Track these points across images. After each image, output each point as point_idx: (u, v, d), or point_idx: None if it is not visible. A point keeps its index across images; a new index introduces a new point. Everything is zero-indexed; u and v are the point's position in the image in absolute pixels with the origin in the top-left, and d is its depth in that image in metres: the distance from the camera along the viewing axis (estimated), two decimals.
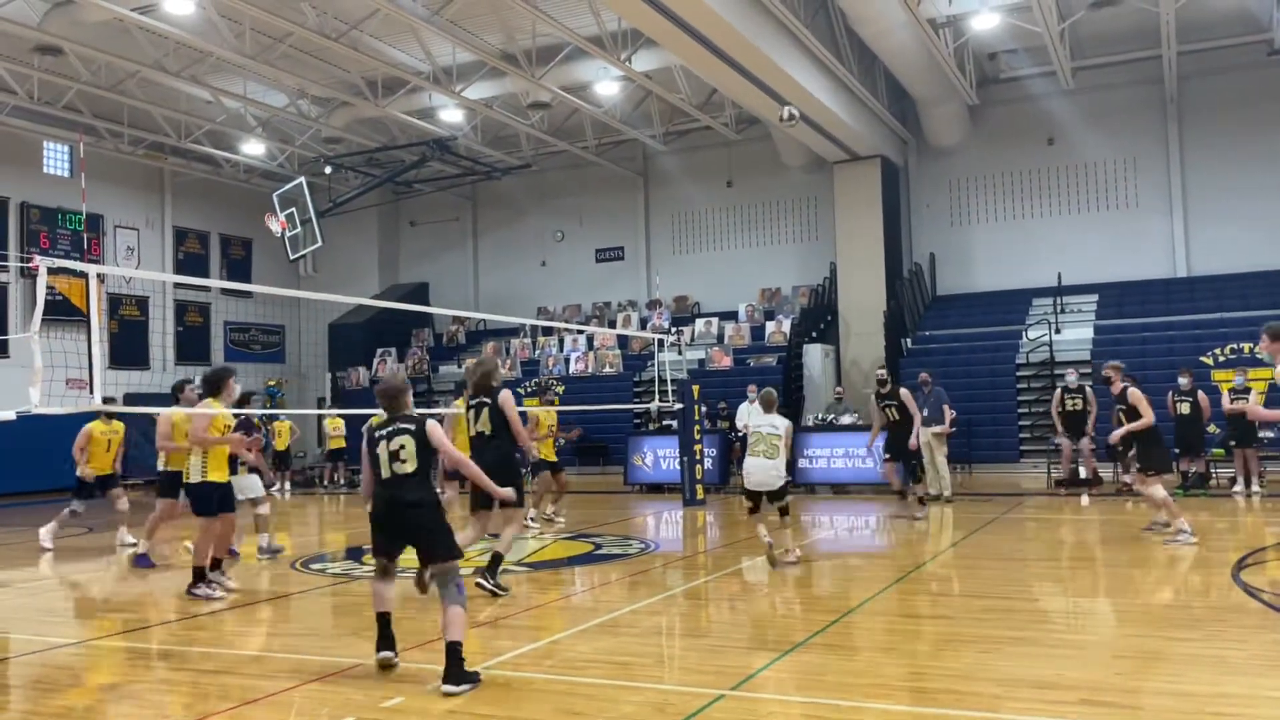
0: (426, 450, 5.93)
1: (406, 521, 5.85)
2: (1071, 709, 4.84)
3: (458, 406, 10.57)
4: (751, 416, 8.39)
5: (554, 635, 6.84)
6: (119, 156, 24.73)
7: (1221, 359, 18.71)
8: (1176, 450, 15.41)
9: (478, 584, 7.92)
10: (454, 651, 5.41)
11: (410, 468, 5.85)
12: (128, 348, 25.45)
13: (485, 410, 8.33)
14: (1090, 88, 22.38)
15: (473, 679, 5.43)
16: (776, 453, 9.23)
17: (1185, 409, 14.91)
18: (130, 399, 20.84)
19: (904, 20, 17.82)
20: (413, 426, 5.93)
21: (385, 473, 5.87)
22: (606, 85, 21.80)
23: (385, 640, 5.90)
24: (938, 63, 19.94)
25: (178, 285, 26.67)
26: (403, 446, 5.87)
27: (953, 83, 21.21)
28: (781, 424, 9.37)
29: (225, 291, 27.35)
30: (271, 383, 28.00)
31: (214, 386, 8.76)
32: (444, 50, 20.02)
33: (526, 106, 23.09)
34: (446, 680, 5.37)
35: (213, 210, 28.21)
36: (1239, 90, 21.68)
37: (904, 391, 13.30)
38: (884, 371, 14.10)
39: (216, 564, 8.86)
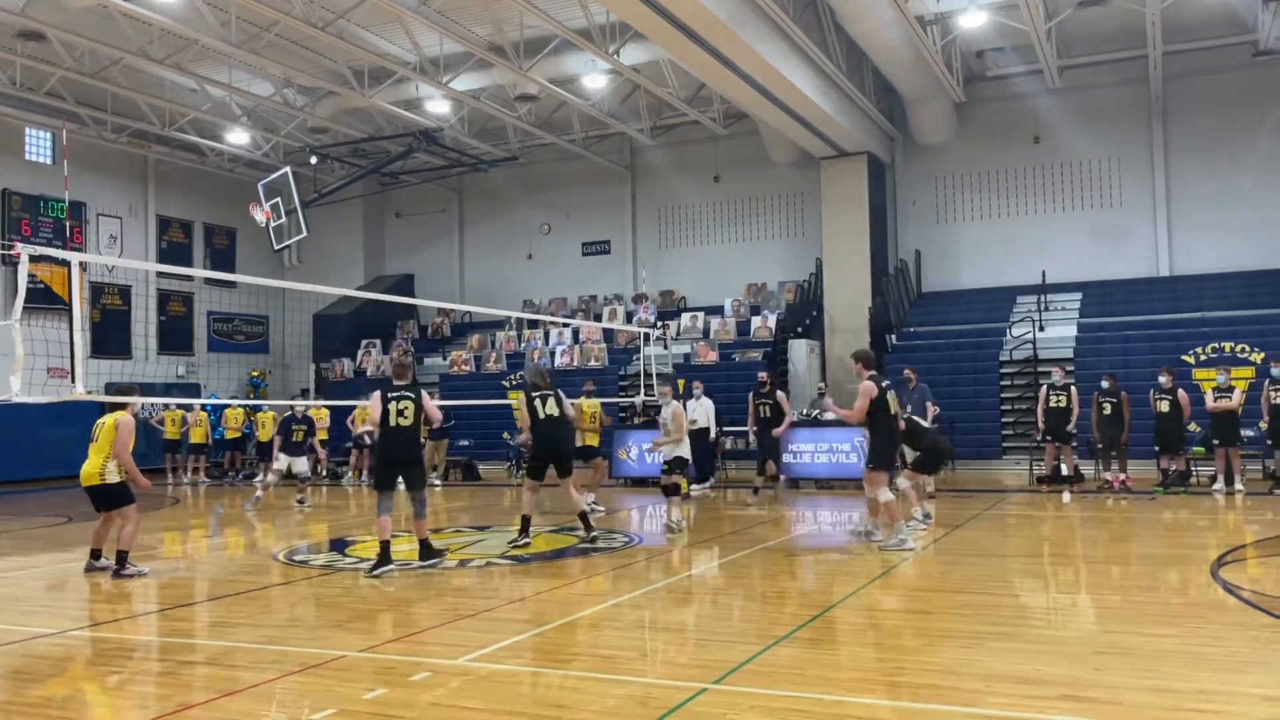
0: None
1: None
2: (1052, 704, 4.87)
3: (516, 399, 12.79)
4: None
5: (538, 628, 6.84)
6: (102, 144, 24.54)
7: (1203, 358, 18.85)
8: (1156, 448, 15.57)
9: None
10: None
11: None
12: (110, 337, 25.31)
13: (551, 399, 10.72)
14: (1076, 87, 22.48)
15: (440, 553, 9.21)
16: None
17: (1165, 407, 15.13)
18: (113, 389, 20.64)
19: (892, 17, 17.84)
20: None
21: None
22: (594, 78, 21.75)
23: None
24: (925, 60, 19.98)
25: (160, 274, 26.51)
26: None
27: (940, 80, 21.26)
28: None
29: (209, 281, 27.18)
30: (255, 373, 27.89)
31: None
32: (431, 41, 19.93)
33: (514, 99, 23.03)
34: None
35: (197, 199, 28.03)
36: (1223, 91, 21.81)
37: (780, 394, 15.87)
38: (765, 375, 16.61)
39: (98, 553, 9.51)
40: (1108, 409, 15.38)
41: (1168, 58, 21.03)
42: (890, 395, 9.90)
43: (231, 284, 28.06)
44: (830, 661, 5.96)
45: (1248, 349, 18.66)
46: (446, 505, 15.99)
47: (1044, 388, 16.03)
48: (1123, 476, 15.27)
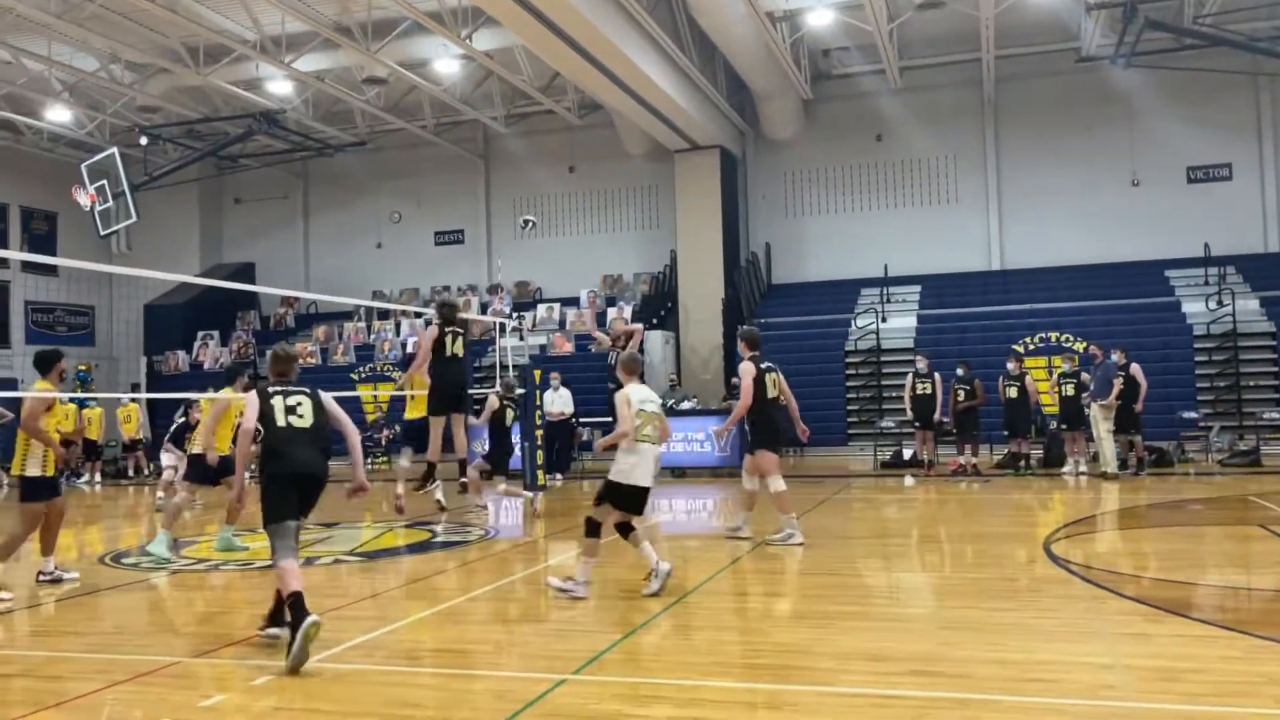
0: None
1: None
2: (903, 679, 4.99)
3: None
4: (635, 390, 7.10)
5: (389, 625, 6.60)
6: None
7: (1031, 347, 19.91)
8: (1005, 432, 16.36)
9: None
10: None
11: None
12: None
13: (461, 337, 10.60)
14: (916, 87, 23.39)
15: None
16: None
17: (1013, 393, 15.94)
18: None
19: (743, 12, 18.13)
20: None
21: None
22: (446, 63, 21.30)
23: None
24: (775, 56, 20.40)
25: None
26: None
27: (789, 77, 21.75)
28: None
29: (26, 268, 25.33)
30: (82, 368, 26.15)
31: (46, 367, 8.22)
32: (273, 18, 19.08)
33: (362, 81, 22.31)
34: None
35: (12, 181, 26.05)
36: (1051, 94, 23.09)
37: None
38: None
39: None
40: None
41: (1000, 61, 22.13)
42: (770, 377, 9.43)
43: (53, 271, 26.27)
44: (688, 646, 5.97)
45: (1071, 339, 19.82)
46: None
47: (909, 375, 16.46)
48: (974, 460, 15.95)
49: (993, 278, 23.41)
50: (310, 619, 5.32)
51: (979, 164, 23.82)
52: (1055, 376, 16.36)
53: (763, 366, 9.43)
